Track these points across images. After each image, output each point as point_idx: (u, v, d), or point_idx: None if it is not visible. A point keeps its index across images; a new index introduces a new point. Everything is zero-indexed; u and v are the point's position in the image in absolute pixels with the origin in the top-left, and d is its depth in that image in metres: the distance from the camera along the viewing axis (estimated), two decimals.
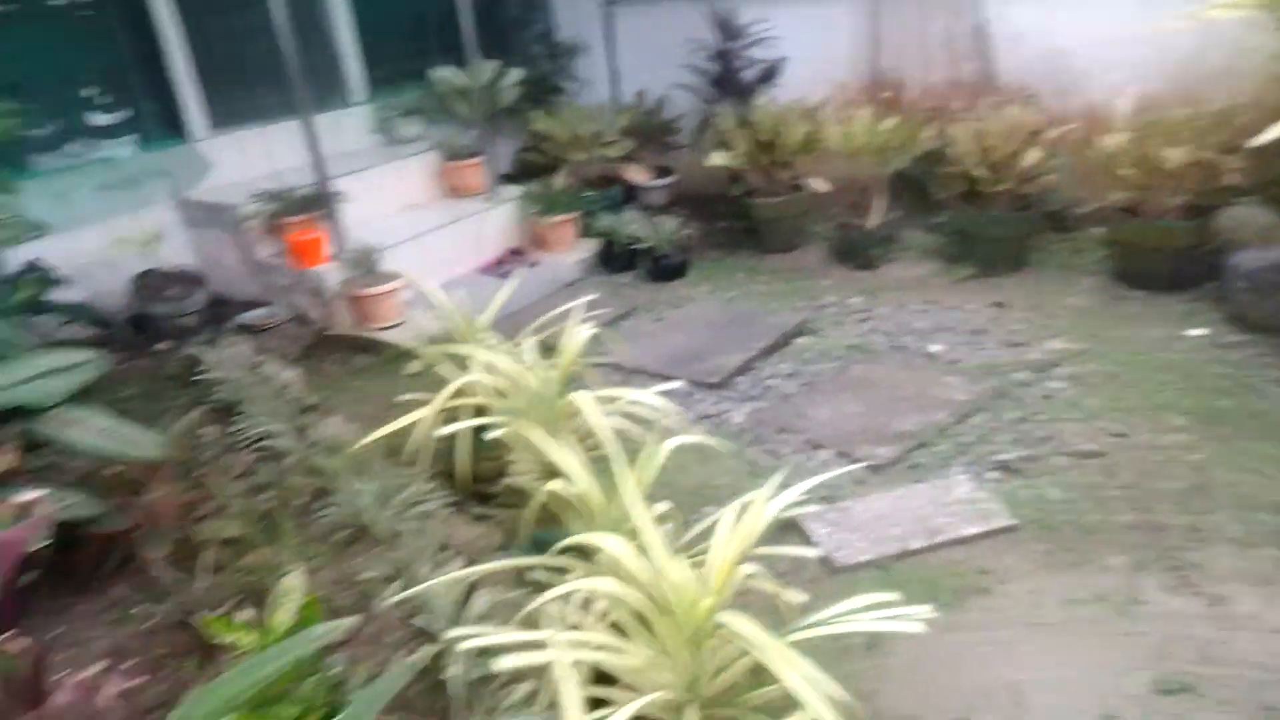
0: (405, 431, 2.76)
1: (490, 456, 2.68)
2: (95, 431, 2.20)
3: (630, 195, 5.14)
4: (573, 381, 2.45)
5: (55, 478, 2.22)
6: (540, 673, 1.82)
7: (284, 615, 1.61)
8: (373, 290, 3.87)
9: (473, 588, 2.07)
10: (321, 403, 3.28)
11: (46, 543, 1.87)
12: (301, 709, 1.58)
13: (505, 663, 1.40)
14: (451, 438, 2.57)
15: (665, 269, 4.41)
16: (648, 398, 2.17)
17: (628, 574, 1.50)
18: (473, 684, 1.85)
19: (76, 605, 2.18)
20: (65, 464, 2.44)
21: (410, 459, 2.66)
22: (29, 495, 1.89)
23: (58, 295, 3.59)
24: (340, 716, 1.41)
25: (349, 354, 3.89)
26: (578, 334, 2.45)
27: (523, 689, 1.81)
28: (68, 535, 2.22)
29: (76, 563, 2.24)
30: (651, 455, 1.85)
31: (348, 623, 1.31)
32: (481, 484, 2.71)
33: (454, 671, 1.81)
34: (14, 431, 2.22)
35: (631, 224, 4.58)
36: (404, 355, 3.72)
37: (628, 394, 2.22)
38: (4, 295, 3.15)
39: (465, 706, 1.80)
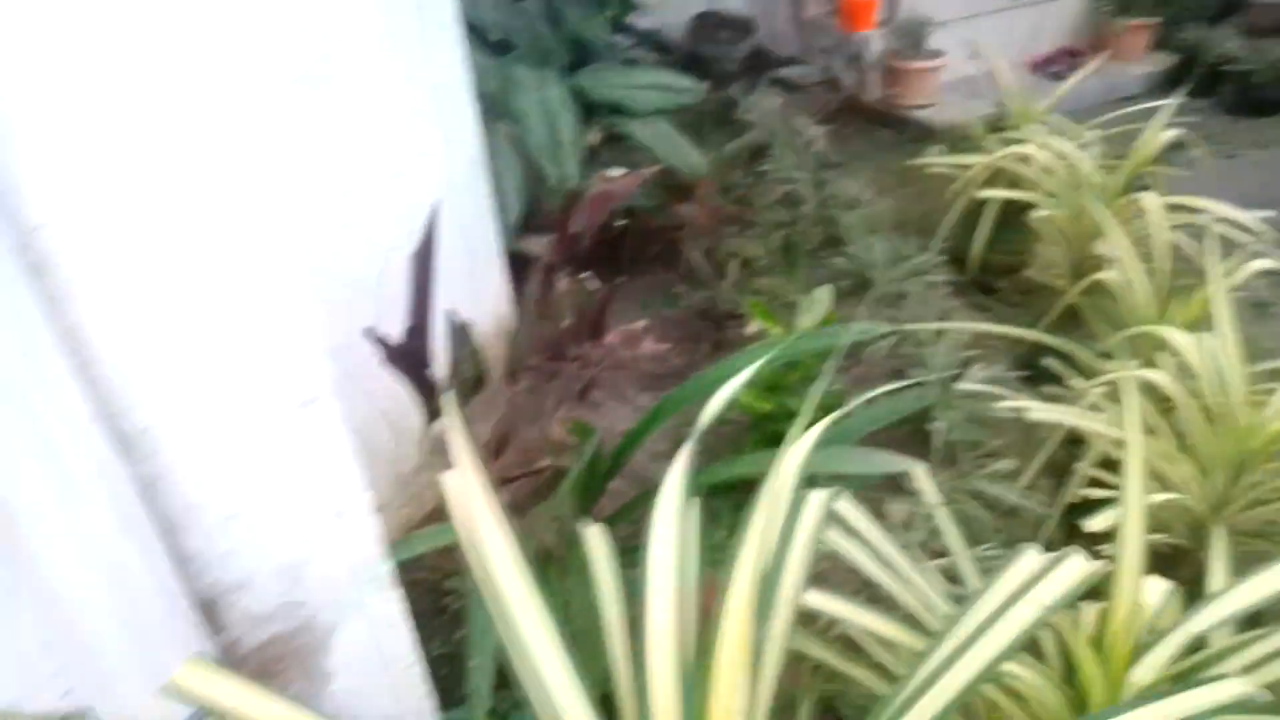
0: (922, 207, 2.74)
1: (1007, 249, 2.58)
2: (657, 135, 2.46)
3: (1232, 8, 4.31)
4: (1136, 184, 2.22)
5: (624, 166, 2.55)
6: (1025, 451, 1.81)
7: (809, 320, 1.74)
8: (913, 64, 3.76)
9: (968, 362, 2.06)
10: (842, 164, 3.35)
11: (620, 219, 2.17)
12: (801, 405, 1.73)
13: (1037, 414, 1.39)
14: (971, 220, 2.50)
15: (1257, 101, 3.71)
16: (1241, 215, 1.89)
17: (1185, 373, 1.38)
18: (950, 446, 1.89)
19: (620, 279, 2.54)
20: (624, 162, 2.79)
21: (923, 231, 2.65)
22: (614, 172, 2.19)
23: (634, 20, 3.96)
24: (839, 414, 1.53)
25: (872, 126, 3.88)
26: (1156, 135, 2.18)
27: (1004, 463, 1.81)
28: (623, 220, 2.58)
29: (626, 245, 2.59)
30: (1230, 271, 1.64)
31: (884, 327, 1.36)
32: (988, 275, 2.63)
33: (940, 425, 1.86)
34: (603, 121, 2.57)
35: (1227, 42, 3.87)
36: (930, 136, 3.65)
37: (1214, 207, 1.94)
38: (599, 7, 3.54)
39: (945, 461, 1.84)
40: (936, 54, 3.75)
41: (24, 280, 0.66)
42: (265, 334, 0.82)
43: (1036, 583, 0.82)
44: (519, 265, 2.04)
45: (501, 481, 1.80)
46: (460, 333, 1.45)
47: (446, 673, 1.30)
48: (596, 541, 1.10)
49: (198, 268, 0.76)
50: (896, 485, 1.79)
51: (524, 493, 1.87)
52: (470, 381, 1.52)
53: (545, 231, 2.21)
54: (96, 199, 0.70)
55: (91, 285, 0.71)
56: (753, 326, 2.22)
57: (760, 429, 1.76)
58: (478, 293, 1.83)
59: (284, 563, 0.93)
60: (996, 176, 2.43)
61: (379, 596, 1.01)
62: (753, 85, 4.14)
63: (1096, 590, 1.02)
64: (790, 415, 1.75)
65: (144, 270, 0.74)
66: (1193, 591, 1.26)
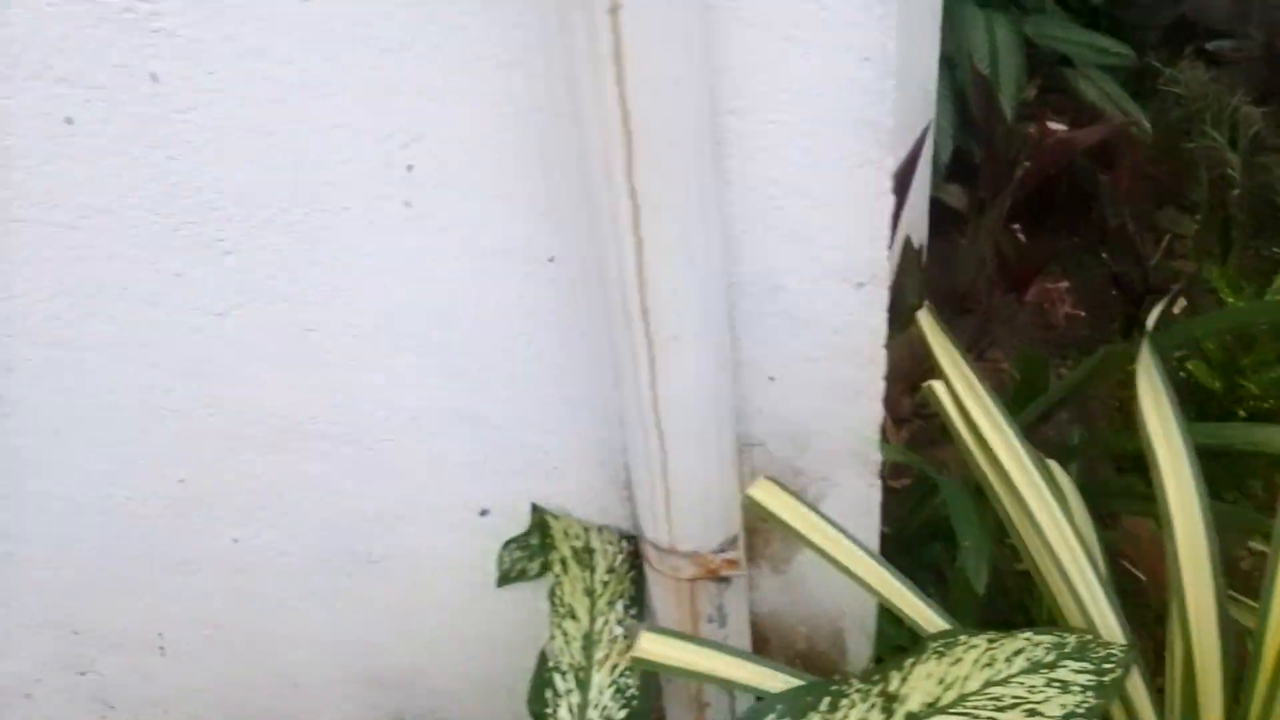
0: None
1: None
2: (1100, 92, 2.33)
3: None
4: None
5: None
6: None
7: None
8: None
9: None
10: None
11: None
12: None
13: None
14: None
15: None
16: None
17: None
18: None
19: (1031, 236, 2.45)
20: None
21: None
22: (1054, 125, 2.11)
23: None
24: None
25: None
26: None
27: None
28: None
29: (1039, 203, 2.49)
30: None
31: None
32: None
33: None
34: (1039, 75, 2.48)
35: None
36: None
37: None
38: None
39: None
40: None
41: (708, 129, 0.77)
42: (848, 209, 0.89)
43: None
44: (933, 211, 2.04)
45: (897, 420, 1.83)
46: (914, 258, 1.48)
47: None
48: (1061, 476, 1.11)
49: (819, 152, 0.85)
50: None
51: (915, 432, 1.89)
52: (912, 309, 1.55)
53: (959, 181, 2.18)
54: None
55: (744, 148, 0.82)
56: (1179, 306, 2.07)
57: (1198, 408, 1.65)
58: (907, 228, 1.85)
59: (799, 430, 1.02)
60: None
61: (864, 481, 1.08)
62: (1174, 56, 3.78)
63: None
64: (1240, 399, 1.64)
65: (780, 140, 0.83)
66: None
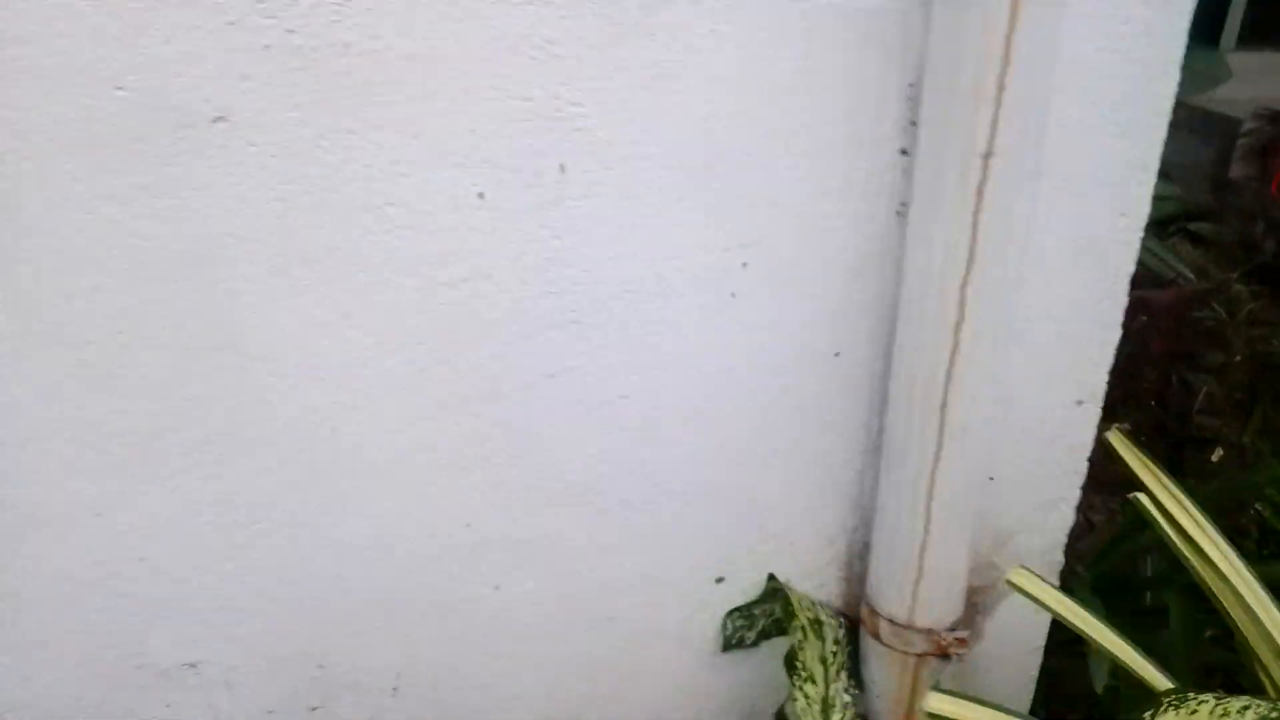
0: None
1: None
2: (1146, 252, 2.59)
3: None
4: None
5: None
6: None
7: None
8: None
9: None
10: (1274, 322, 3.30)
11: None
12: None
13: None
14: None
15: None
16: None
17: None
18: None
19: None
20: None
21: None
22: None
23: None
24: None
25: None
26: None
27: None
28: None
29: None
30: None
31: None
32: None
33: None
34: None
35: None
36: None
37: None
38: None
39: None
40: None
41: (1019, 257, 0.92)
42: (1084, 337, 1.04)
43: None
44: None
45: None
46: None
47: None
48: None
49: (1072, 286, 1.00)
50: None
51: None
52: None
53: None
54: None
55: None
56: (1216, 455, 2.26)
57: (1256, 543, 1.81)
58: None
59: (1003, 528, 1.14)
60: None
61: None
62: (1161, 234, 4.16)
63: None
64: None
65: (1042, 274, 0.98)
66: None
